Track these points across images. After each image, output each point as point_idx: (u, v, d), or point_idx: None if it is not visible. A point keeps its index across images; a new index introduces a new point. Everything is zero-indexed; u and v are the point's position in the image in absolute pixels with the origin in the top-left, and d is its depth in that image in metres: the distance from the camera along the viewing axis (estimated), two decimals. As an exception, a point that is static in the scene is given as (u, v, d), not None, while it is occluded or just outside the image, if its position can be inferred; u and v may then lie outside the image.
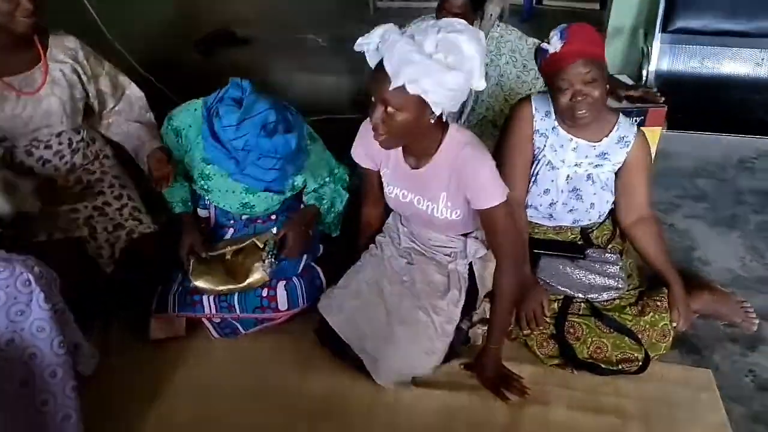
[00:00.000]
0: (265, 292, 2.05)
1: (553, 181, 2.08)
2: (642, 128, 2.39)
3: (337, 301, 2.00)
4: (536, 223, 2.16)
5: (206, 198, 2.22)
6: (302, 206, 2.26)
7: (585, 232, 2.17)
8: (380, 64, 1.58)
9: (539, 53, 1.93)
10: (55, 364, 1.57)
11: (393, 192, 1.94)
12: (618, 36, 3.15)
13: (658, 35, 2.96)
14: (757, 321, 2.14)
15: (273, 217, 2.24)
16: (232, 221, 2.25)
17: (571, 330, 1.98)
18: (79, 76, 2.09)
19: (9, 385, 1.53)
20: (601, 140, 2.05)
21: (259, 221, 2.24)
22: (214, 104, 1.97)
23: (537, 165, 2.08)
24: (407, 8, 4.70)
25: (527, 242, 2.07)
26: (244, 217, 2.24)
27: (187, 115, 2.10)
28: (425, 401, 1.89)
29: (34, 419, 1.56)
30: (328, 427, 1.83)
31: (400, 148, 1.84)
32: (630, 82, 2.70)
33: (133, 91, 2.23)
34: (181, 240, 2.15)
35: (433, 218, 1.90)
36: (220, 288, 2.06)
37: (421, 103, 1.59)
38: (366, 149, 1.94)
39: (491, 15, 2.57)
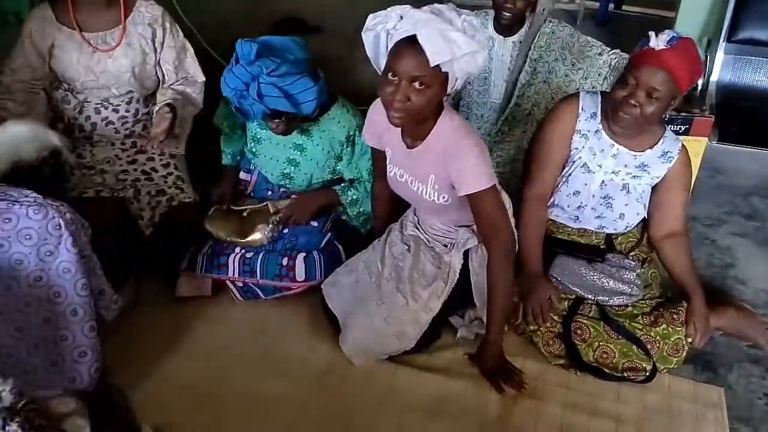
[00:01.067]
0: (285, 261, 2.14)
1: (586, 184, 2.06)
2: (686, 137, 2.35)
3: (336, 277, 2.09)
4: (561, 224, 2.15)
5: (252, 161, 2.35)
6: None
7: (609, 237, 2.14)
8: (410, 40, 1.58)
9: (641, 41, 1.89)
10: (77, 304, 1.71)
11: (392, 171, 1.97)
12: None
13: (722, 45, 2.85)
14: (782, 345, 2.06)
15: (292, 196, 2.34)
16: (270, 192, 2.37)
17: (579, 331, 1.97)
18: (153, 44, 2.23)
19: (34, 319, 1.68)
20: (644, 151, 2.02)
21: (293, 197, 2.33)
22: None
23: (572, 166, 2.07)
24: (481, 6, 4.71)
25: (541, 238, 2.06)
26: (281, 190, 2.35)
27: None
28: (421, 383, 1.93)
29: (53, 351, 1.71)
30: (321, 397, 1.89)
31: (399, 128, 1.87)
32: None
33: (196, 75, 2.33)
34: (216, 187, 2.30)
35: (423, 200, 1.93)
36: (223, 237, 2.21)
37: (445, 81, 1.64)
38: (373, 128, 1.98)
39: (543, 9, 2.55)
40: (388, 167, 2.00)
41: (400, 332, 1.95)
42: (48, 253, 1.67)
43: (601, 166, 2.03)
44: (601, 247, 2.13)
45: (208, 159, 2.43)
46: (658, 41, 1.80)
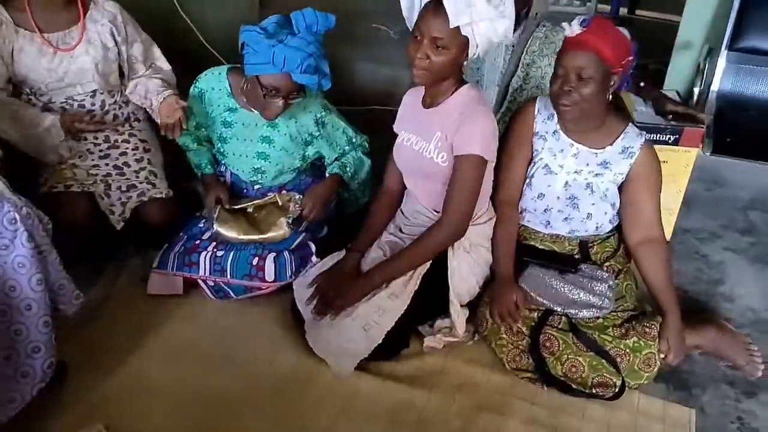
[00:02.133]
0: (255, 261, 2.11)
1: (549, 186, 2.02)
2: (676, 147, 2.29)
3: (307, 277, 2.07)
4: (533, 230, 2.10)
5: (222, 162, 2.34)
6: (327, 176, 2.34)
7: (584, 245, 2.09)
8: (436, 2, 1.71)
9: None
10: (31, 299, 1.69)
11: (401, 138, 2.02)
12: (685, 51, 2.96)
13: (723, 53, 2.76)
14: (762, 367, 1.97)
15: (284, 191, 2.32)
16: (245, 190, 2.36)
17: (547, 343, 1.91)
18: (114, 40, 2.24)
19: (-11, 312, 1.68)
20: (604, 148, 1.98)
21: (270, 193, 2.32)
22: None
23: (533, 168, 2.04)
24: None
25: (511, 242, 2.03)
26: (256, 187, 2.34)
27: (212, 79, 2.22)
28: (385, 392, 1.88)
29: (8, 345, 1.70)
30: (281, 403, 1.86)
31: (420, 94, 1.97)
32: (677, 99, 2.54)
33: (162, 63, 2.36)
34: (208, 195, 2.28)
35: (421, 162, 1.94)
36: (242, 237, 2.16)
37: (465, 45, 1.75)
38: (402, 110, 2.07)
39: (537, 13, 2.50)
40: (398, 140, 2.03)
41: (366, 324, 1.91)
42: (3, 247, 1.66)
43: (562, 167, 2.00)
44: (576, 256, 2.07)
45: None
46: (572, 28, 1.81)
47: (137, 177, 2.25)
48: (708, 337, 2.03)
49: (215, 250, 2.16)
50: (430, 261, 1.97)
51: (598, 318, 1.93)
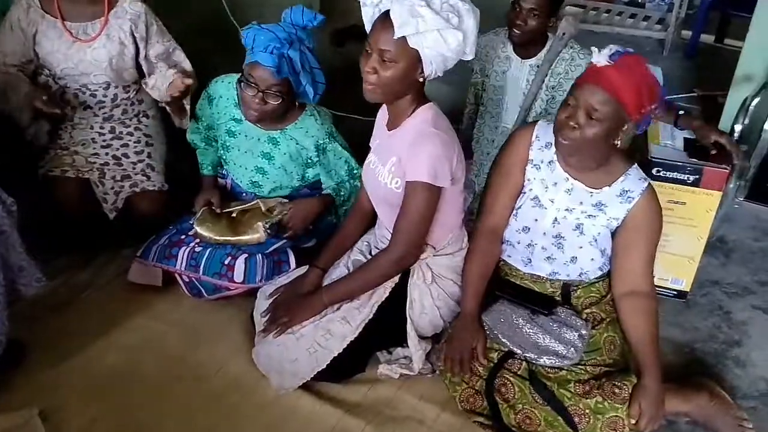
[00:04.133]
0: (227, 260, 2.09)
1: (536, 220, 1.85)
2: (696, 189, 2.06)
3: (270, 288, 2.01)
4: (513, 266, 1.94)
5: (225, 167, 2.33)
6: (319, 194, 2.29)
7: (567, 287, 1.90)
8: (384, 15, 1.63)
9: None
10: (-19, 276, 1.75)
11: (368, 157, 1.94)
12: (744, 84, 2.66)
13: (780, 89, 2.45)
14: (752, 449, 1.72)
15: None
16: (243, 194, 2.33)
17: (503, 389, 1.75)
18: (134, 39, 2.29)
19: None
20: (601, 189, 1.79)
21: (283, 200, 2.27)
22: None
23: (522, 197, 1.87)
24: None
25: (484, 276, 1.88)
26: (253, 195, 2.30)
27: (222, 87, 2.21)
28: (321, 416, 1.81)
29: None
30: (215, 411, 1.83)
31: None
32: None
33: (186, 65, 2.37)
34: (199, 196, 2.27)
35: (379, 187, 1.86)
36: (217, 237, 2.15)
37: (416, 60, 1.65)
38: (376, 127, 1.97)
39: (563, 34, 2.33)
40: (366, 159, 1.96)
41: (311, 346, 1.83)
42: (-42, 225, 1.73)
43: (553, 201, 1.82)
44: (556, 297, 1.89)
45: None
46: (600, 57, 1.62)
47: (134, 168, 2.29)
48: (698, 405, 1.80)
49: (195, 246, 2.16)
50: (388, 289, 1.87)
51: (561, 369, 1.75)
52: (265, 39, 1.91)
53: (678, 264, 2.23)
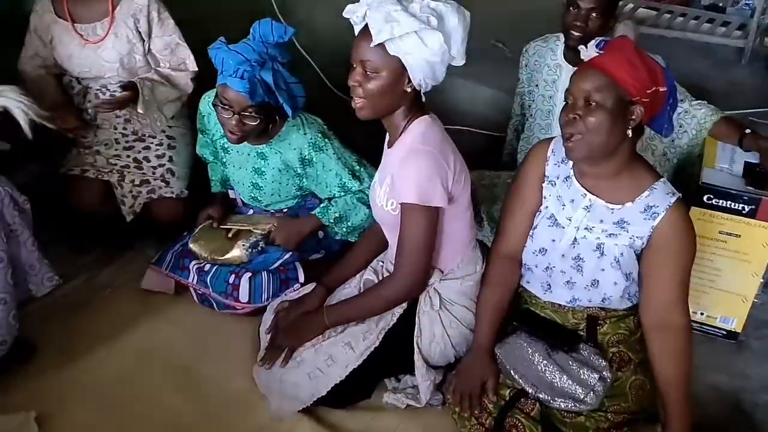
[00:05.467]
0: (232, 278, 2.03)
1: (553, 241, 1.69)
2: (751, 220, 1.85)
3: (276, 304, 1.93)
4: (532, 293, 1.78)
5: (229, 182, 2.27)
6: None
7: (593, 321, 1.72)
8: (365, 26, 1.54)
9: None
10: (-13, 274, 1.74)
11: (374, 178, 1.84)
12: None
13: None
14: None
15: (284, 210, 2.21)
16: (251, 210, 2.27)
17: (513, 430, 1.60)
18: (139, 34, 2.24)
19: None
20: (623, 204, 1.61)
21: (278, 215, 2.21)
22: None
23: (538, 216, 1.72)
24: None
25: (498, 304, 1.74)
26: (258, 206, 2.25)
27: (206, 103, 2.11)
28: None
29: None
30: (213, 427, 1.78)
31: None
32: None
33: (190, 64, 2.29)
34: (203, 211, 2.22)
35: (376, 206, 1.77)
36: (205, 255, 2.10)
37: (399, 68, 1.55)
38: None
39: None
40: None
41: (312, 372, 1.74)
42: (-31, 220, 1.73)
43: (570, 220, 1.65)
44: (579, 331, 1.72)
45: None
46: (588, 51, 1.54)
47: (153, 173, 2.26)
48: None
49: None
50: (396, 315, 1.76)
51: (579, 414, 1.58)
52: (234, 62, 1.78)
53: (729, 301, 2.01)
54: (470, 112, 3.44)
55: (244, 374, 1.90)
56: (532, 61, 2.38)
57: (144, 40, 2.24)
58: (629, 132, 1.52)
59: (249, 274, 2.02)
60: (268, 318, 1.93)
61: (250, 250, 2.07)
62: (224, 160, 2.15)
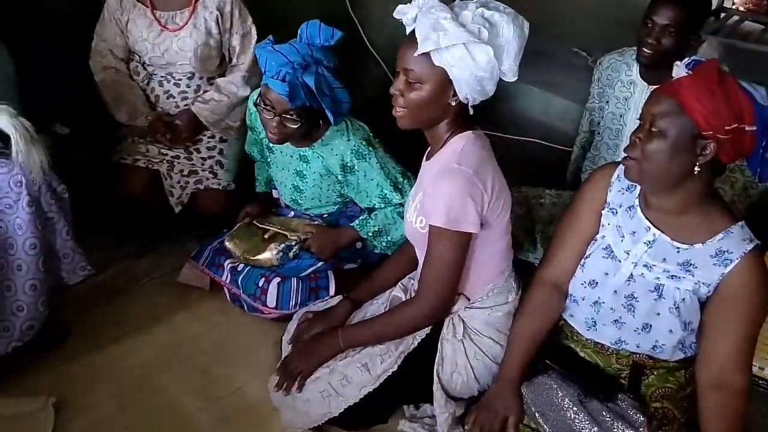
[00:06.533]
0: (261, 282, 1.98)
1: (607, 274, 1.52)
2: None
3: (301, 314, 1.87)
4: (574, 328, 1.62)
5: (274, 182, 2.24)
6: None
7: (638, 370, 1.55)
8: (412, 33, 1.45)
9: None
10: (22, 260, 1.76)
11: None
12: None
13: None
14: None
15: (324, 215, 2.16)
16: (292, 213, 2.22)
17: (531, 479, 1.47)
18: (219, 28, 2.24)
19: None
20: (692, 245, 1.43)
21: (318, 222, 2.16)
22: None
23: (592, 245, 1.56)
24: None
25: (534, 335, 1.59)
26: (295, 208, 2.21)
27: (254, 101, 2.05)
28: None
29: None
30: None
31: None
32: None
33: (246, 60, 2.29)
34: (244, 208, 2.20)
35: (406, 221, 1.67)
36: (238, 254, 2.08)
37: (444, 80, 1.45)
38: None
39: (704, 59, 1.95)
40: None
41: (326, 390, 1.66)
42: (7, 206, 1.74)
43: (628, 254, 1.48)
44: (621, 380, 1.55)
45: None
46: (679, 69, 1.36)
47: (202, 164, 2.25)
48: None
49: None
50: (417, 339, 1.65)
51: (604, 473, 1.42)
52: (276, 64, 1.72)
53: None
54: (542, 123, 3.27)
55: (263, 381, 1.83)
56: (605, 76, 2.21)
57: (221, 35, 2.25)
58: (696, 168, 1.35)
59: (278, 279, 1.96)
60: (292, 327, 1.86)
61: (281, 254, 2.03)
62: (269, 159, 2.11)
